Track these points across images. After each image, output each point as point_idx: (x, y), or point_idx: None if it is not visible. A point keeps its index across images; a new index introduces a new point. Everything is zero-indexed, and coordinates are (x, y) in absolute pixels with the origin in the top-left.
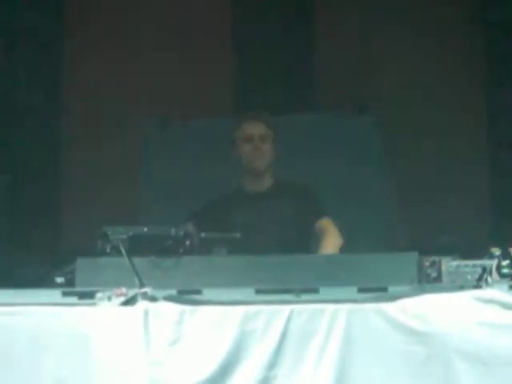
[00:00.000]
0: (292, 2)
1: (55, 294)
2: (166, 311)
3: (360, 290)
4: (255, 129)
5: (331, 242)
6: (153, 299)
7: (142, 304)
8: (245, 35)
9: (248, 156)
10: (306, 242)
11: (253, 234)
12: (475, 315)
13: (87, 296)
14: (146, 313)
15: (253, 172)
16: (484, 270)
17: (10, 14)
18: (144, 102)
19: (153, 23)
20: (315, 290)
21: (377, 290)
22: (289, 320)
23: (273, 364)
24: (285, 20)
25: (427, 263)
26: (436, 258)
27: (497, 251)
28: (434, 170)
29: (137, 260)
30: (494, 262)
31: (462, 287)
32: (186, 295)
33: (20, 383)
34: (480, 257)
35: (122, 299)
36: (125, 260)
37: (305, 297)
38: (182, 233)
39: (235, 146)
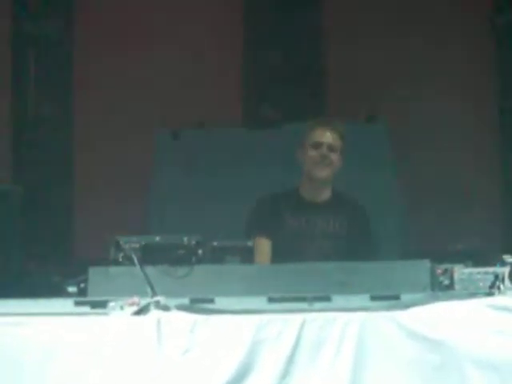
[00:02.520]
0: (303, 12)
1: (68, 304)
2: (178, 320)
3: (372, 298)
4: (325, 137)
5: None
6: (165, 308)
7: (154, 313)
8: (257, 45)
9: (312, 163)
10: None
11: (300, 242)
12: (488, 323)
13: (99, 305)
14: (159, 322)
15: (314, 180)
16: (496, 277)
17: (22, 21)
18: (156, 111)
19: (165, 33)
20: (328, 298)
21: (389, 298)
22: (301, 329)
23: (285, 373)
24: (296, 29)
25: (439, 271)
26: (448, 266)
27: (509, 258)
28: (446, 178)
29: (149, 269)
30: (507, 269)
31: (474, 295)
32: (199, 304)
33: None
34: (492, 264)
35: (135, 308)
36: (137, 269)
37: (317, 305)
38: (194, 242)
39: (302, 150)
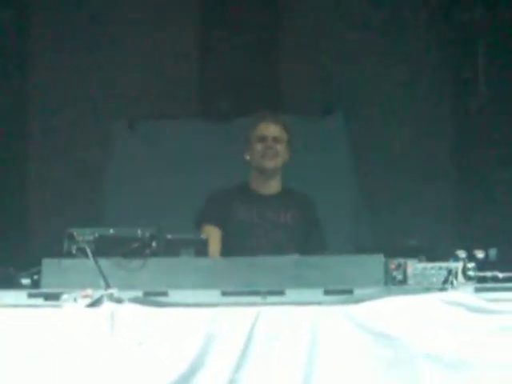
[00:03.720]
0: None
1: (21, 296)
2: (131, 313)
3: (326, 292)
4: (269, 129)
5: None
6: (119, 301)
7: (107, 306)
8: (211, 38)
9: (259, 155)
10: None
11: (250, 234)
12: (441, 318)
13: (53, 297)
14: (112, 314)
15: (262, 172)
16: (449, 272)
17: None
18: (113, 102)
19: (123, 24)
20: (281, 292)
21: (343, 292)
22: (255, 322)
23: (239, 366)
24: (250, 22)
25: (393, 265)
26: (402, 260)
27: (462, 254)
28: (400, 173)
29: (103, 261)
30: (460, 265)
31: (427, 289)
32: (152, 297)
33: None
34: (445, 259)
35: (88, 301)
36: (91, 261)
37: (271, 299)
38: (148, 234)
39: (248, 145)
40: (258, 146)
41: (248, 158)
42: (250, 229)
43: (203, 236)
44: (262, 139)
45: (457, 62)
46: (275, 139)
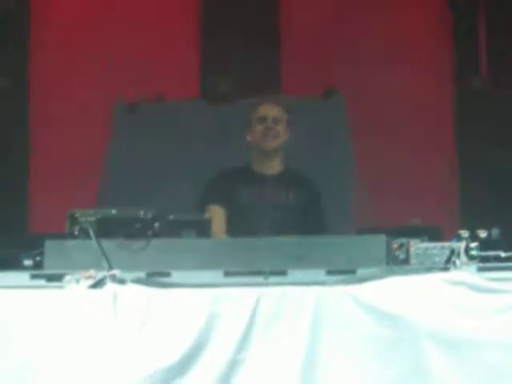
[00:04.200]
0: None
1: (23, 277)
2: (134, 294)
3: (328, 273)
4: (269, 110)
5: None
6: (121, 282)
7: (110, 286)
8: (213, 20)
9: (259, 136)
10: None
11: (253, 215)
12: (443, 297)
13: (55, 278)
14: (115, 295)
15: (263, 152)
16: (452, 252)
17: None
18: (114, 85)
19: (123, 6)
20: (284, 273)
21: (345, 272)
22: (258, 303)
23: (242, 346)
24: (250, 3)
25: (395, 245)
26: (404, 240)
27: (465, 233)
28: (402, 154)
29: (105, 242)
30: (462, 244)
31: (430, 269)
32: (155, 278)
33: None
34: (448, 239)
35: (91, 282)
36: (93, 242)
37: (273, 279)
38: (150, 215)
39: (249, 126)
40: (259, 127)
41: (249, 139)
42: (252, 210)
43: (206, 216)
44: (263, 120)
45: (457, 43)
46: (275, 120)
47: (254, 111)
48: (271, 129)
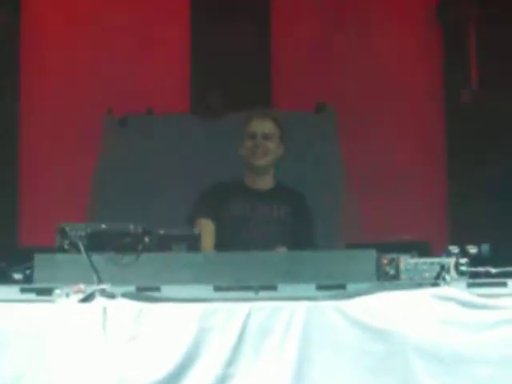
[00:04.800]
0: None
1: (13, 291)
2: (124, 308)
3: (318, 288)
4: (260, 126)
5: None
6: (111, 296)
7: (100, 301)
8: (204, 35)
9: (249, 153)
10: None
11: (243, 228)
12: (433, 313)
13: (45, 292)
14: (105, 310)
15: (253, 169)
16: (442, 267)
17: None
18: (103, 98)
19: (112, 19)
20: (274, 288)
21: (335, 287)
22: (247, 317)
23: (231, 361)
24: (242, 19)
25: (385, 260)
26: (394, 256)
27: (455, 249)
28: (392, 168)
29: (95, 256)
30: (452, 260)
31: (420, 285)
32: (145, 292)
33: None
34: (438, 255)
35: (80, 296)
36: (83, 256)
37: (263, 294)
38: (140, 230)
39: (242, 140)
40: (248, 143)
41: (241, 153)
42: (243, 223)
43: (196, 231)
44: (253, 136)
45: (448, 53)
46: (265, 136)
47: (246, 125)
48: (260, 146)
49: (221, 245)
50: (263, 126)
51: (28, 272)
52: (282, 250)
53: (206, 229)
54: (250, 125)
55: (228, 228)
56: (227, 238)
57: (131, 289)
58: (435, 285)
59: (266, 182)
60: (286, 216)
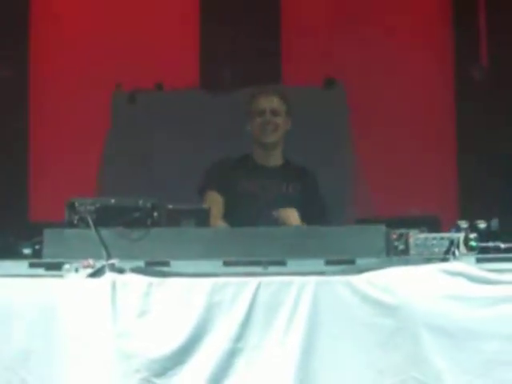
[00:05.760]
0: None
1: (22, 266)
2: (133, 283)
3: (327, 263)
4: (267, 102)
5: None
6: (120, 271)
7: (109, 276)
8: (214, 9)
9: (258, 130)
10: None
11: (252, 204)
12: (442, 288)
13: (54, 267)
14: (114, 284)
15: (262, 145)
16: (451, 242)
17: None
18: (113, 73)
19: None
20: (283, 263)
21: (344, 263)
22: (256, 292)
23: (240, 336)
24: None
25: (394, 236)
26: (403, 231)
27: (464, 224)
28: (403, 143)
29: (104, 231)
30: (462, 235)
31: (429, 260)
32: (154, 267)
33: None
34: (447, 230)
35: (90, 271)
36: (92, 231)
37: (272, 269)
38: (149, 204)
39: (248, 119)
40: (257, 120)
41: (250, 130)
42: (252, 200)
43: (205, 206)
44: (261, 113)
45: (458, 32)
46: (274, 112)
47: (253, 102)
48: (270, 122)
49: (229, 221)
50: (271, 101)
51: (37, 247)
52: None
53: (215, 202)
54: (258, 101)
55: (237, 204)
56: (236, 215)
57: (140, 264)
58: (444, 260)
59: (275, 159)
60: (295, 192)
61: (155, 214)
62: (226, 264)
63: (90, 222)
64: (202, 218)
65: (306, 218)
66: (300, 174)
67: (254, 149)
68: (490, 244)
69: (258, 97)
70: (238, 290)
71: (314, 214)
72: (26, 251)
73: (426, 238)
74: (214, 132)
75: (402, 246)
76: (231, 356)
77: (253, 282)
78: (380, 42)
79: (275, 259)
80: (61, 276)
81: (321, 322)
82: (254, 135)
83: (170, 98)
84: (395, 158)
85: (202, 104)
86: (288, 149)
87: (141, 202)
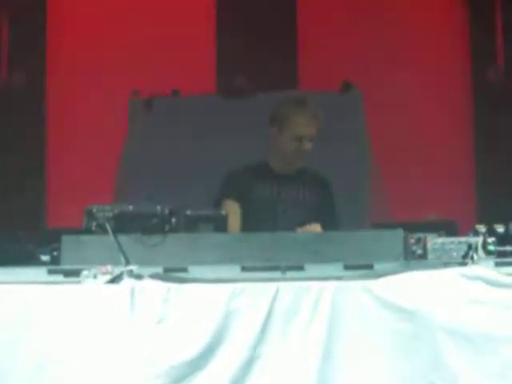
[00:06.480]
0: None
1: (41, 272)
2: (151, 289)
3: (346, 267)
4: (308, 130)
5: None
6: (138, 277)
7: (127, 282)
8: (230, 14)
9: (292, 154)
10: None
11: (269, 211)
12: (461, 292)
13: (73, 274)
14: (132, 291)
15: (290, 163)
16: (470, 246)
17: None
18: (130, 79)
19: (139, 1)
20: (301, 268)
21: (363, 267)
22: (275, 298)
23: (258, 342)
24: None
25: (412, 240)
26: (421, 235)
27: (482, 228)
28: (420, 148)
29: (122, 238)
30: (480, 239)
31: (447, 264)
32: (172, 273)
33: (4, 360)
34: (465, 234)
35: (108, 277)
36: (110, 238)
37: (291, 274)
38: (167, 211)
39: (278, 132)
40: (292, 145)
41: (272, 139)
42: (270, 206)
43: (223, 212)
44: (298, 139)
45: (475, 34)
46: (311, 138)
47: (290, 119)
48: (306, 150)
49: (247, 228)
50: (311, 129)
51: (55, 253)
52: (315, 227)
53: (233, 211)
54: (298, 125)
55: (254, 212)
56: (254, 222)
57: (158, 270)
58: (463, 264)
59: (292, 168)
60: (310, 199)
61: (173, 220)
62: (243, 269)
63: (109, 229)
64: (219, 224)
65: (323, 224)
66: (316, 182)
67: (272, 156)
68: (509, 248)
69: (297, 116)
70: (256, 296)
71: (330, 221)
72: (45, 258)
73: (444, 243)
74: (230, 137)
75: (419, 251)
76: (249, 363)
77: (271, 287)
78: (396, 44)
79: (293, 264)
80: (79, 282)
81: (339, 327)
82: (280, 151)
83: (187, 104)
84: (412, 161)
85: (219, 110)
86: None
87: (158, 209)
